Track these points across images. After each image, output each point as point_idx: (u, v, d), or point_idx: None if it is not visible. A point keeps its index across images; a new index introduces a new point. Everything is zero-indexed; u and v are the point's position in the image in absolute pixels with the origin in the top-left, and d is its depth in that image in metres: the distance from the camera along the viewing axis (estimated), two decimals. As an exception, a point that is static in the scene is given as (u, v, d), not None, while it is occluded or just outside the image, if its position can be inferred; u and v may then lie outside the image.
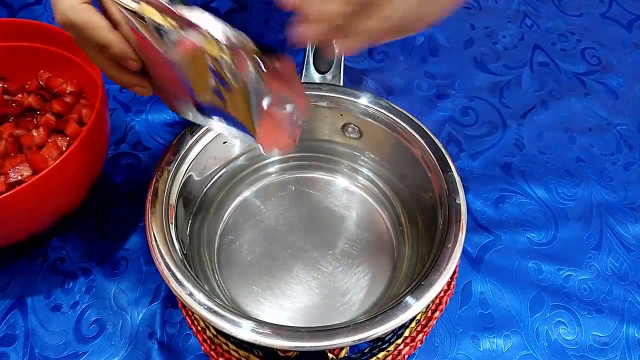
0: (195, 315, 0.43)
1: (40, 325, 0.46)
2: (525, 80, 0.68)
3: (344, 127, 0.50)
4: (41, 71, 0.53)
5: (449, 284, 0.45)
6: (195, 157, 0.45)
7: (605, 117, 0.65)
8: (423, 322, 0.43)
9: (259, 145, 0.37)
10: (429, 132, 0.45)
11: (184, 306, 0.45)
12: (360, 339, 0.34)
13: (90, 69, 0.50)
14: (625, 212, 0.56)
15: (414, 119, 0.46)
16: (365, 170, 0.52)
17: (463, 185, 0.42)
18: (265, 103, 0.33)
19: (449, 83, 0.67)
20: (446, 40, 0.72)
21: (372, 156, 0.51)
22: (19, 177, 0.45)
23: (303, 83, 0.49)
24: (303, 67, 0.49)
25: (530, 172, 0.59)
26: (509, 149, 0.61)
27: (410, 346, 0.42)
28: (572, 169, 0.59)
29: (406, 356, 0.42)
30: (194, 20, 0.31)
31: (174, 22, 0.32)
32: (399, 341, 0.42)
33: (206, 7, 0.73)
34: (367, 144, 0.50)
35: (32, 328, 0.46)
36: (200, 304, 0.35)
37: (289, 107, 0.35)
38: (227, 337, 0.41)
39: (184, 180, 0.43)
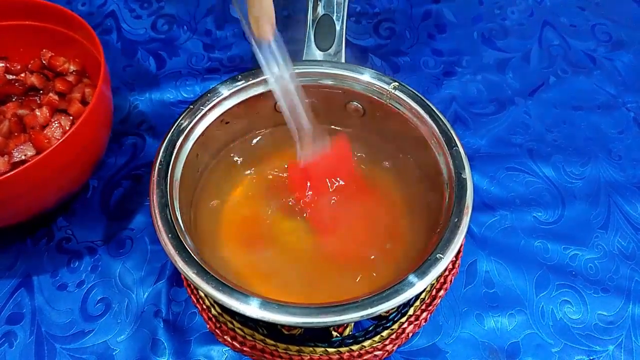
0: (200, 294, 0.44)
1: (47, 304, 0.47)
2: (534, 57, 0.67)
3: (347, 105, 0.49)
4: (43, 50, 0.53)
5: (453, 262, 0.45)
6: (199, 135, 0.44)
7: (614, 95, 0.63)
8: (427, 301, 0.43)
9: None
10: (435, 110, 0.44)
11: (189, 285, 0.45)
12: (364, 316, 0.33)
13: (93, 48, 0.50)
14: (633, 191, 0.55)
15: (420, 96, 0.45)
16: (369, 149, 0.52)
17: (469, 163, 0.41)
18: None
19: (456, 60, 0.66)
20: (454, 17, 0.70)
21: (376, 134, 0.50)
22: (23, 157, 0.45)
23: (304, 61, 0.48)
24: (305, 44, 0.49)
25: (537, 150, 0.58)
26: (517, 127, 0.60)
27: (415, 324, 0.42)
28: (580, 147, 0.59)
29: (410, 334, 0.42)
30: None
31: None
32: (403, 319, 0.42)
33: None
34: (371, 122, 0.50)
35: (39, 307, 0.47)
36: (206, 282, 0.35)
37: None
38: (232, 315, 0.42)
39: (187, 158, 0.43)
